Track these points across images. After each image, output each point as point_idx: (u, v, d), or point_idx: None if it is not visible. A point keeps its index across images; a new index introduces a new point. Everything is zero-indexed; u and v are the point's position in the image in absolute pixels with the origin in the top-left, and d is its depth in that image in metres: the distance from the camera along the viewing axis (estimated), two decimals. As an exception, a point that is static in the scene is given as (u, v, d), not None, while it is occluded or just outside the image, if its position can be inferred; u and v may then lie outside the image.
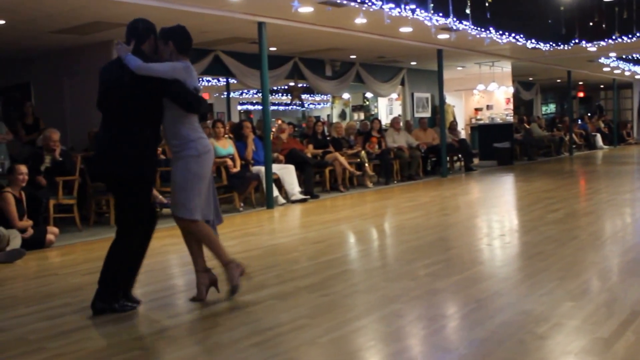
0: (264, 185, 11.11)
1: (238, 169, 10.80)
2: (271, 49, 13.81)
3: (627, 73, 25.04)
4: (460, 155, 18.15)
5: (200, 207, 5.23)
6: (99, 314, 5.01)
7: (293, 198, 11.63)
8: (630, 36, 15.19)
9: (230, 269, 5.31)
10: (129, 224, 5.12)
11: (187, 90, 5.01)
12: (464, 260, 6.74)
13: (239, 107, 25.32)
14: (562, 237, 7.64)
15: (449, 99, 21.85)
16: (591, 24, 15.27)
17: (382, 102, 23.86)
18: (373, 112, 24.75)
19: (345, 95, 24.68)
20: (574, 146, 24.02)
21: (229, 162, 10.72)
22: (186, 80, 5.02)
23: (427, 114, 20.26)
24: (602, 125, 28.08)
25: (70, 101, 12.74)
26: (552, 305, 4.85)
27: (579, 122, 26.93)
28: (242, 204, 10.88)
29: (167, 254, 7.76)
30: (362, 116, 24.72)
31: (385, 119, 21.67)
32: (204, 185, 5.21)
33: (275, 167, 11.53)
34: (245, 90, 22.62)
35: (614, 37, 15.26)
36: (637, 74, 25.58)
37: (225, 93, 18.97)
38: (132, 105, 4.94)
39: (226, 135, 11.75)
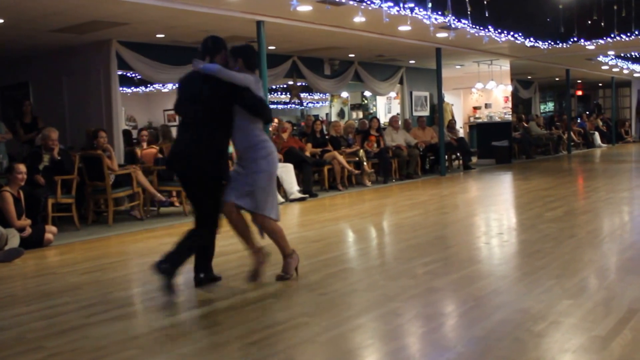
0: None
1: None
2: (270, 47, 13.80)
3: (625, 71, 25.04)
4: (458, 154, 18.15)
5: (276, 205, 5.86)
6: (160, 273, 5.38)
7: (292, 197, 11.64)
8: (628, 34, 15.21)
9: (289, 260, 5.98)
10: (207, 216, 5.64)
11: (257, 98, 5.62)
12: (462, 259, 6.74)
13: (237, 106, 25.29)
14: (560, 235, 7.65)
15: (448, 98, 21.87)
16: (590, 22, 15.29)
17: (381, 101, 23.86)
18: (372, 111, 24.72)
19: (344, 94, 24.66)
20: (572, 144, 24.04)
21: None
22: (255, 91, 5.60)
23: (426, 112, 20.26)
24: (600, 123, 28.09)
25: (68, 100, 12.74)
26: (550, 303, 4.86)
27: (578, 120, 26.94)
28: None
29: (166, 253, 7.75)
30: (360, 115, 24.69)
31: (383, 118, 21.67)
32: (273, 182, 5.83)
33: (274, 166, 11.53)
34: (244, 89, 22.58)
35: (612, 35, 15.28)
36: (636, 72, 25.58)
37: (224, 92, 18.94)
38: (211, 113, 5.57)
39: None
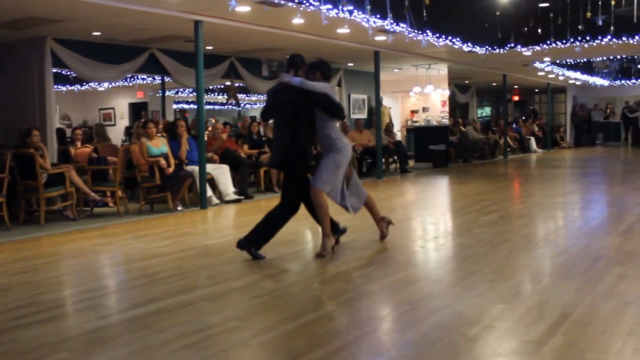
0: (198, 185, 10.99)
1: (172, 168, 10.65)
2: (207, 47, 13.70)
3: (560, 78, 25.59)
4: (395, 157, 18.26)
5: (330, 185, 6.98)
6: (242, 249, 6.80)
7: (227, 198, 11.53)
8: (564, 41, 15.53)
9: (327, 240, 6.95)
10: (294, 197, 7.02)
11: (333, 101, 6.98)
12: (397, 262, 6.76)
13: (175, 106, 25.03)
14: (495, 239, 7.74)
15: (386, 101, 21.99)
16: (526, 28, 15.58)
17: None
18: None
19: (283, 96, 24.58)
20: (508, 149, 24.43)
21: (162, 161, 10.57)
22: (331, 96, 6.96)
23: (364, 115, 20.35)
24: (536, 128, 28.61)
25: (1, 98, 12.38)
26: (484, 308, 4.90)
27: (514, 125, 27.39)
28: (179, 205, 10.72)
29: (98, 254, 7.62)
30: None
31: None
32: (340, 172, 7.04)
33: (210, 167, 11.41)
34: (181, 89, 22.39)
35: (548, 42, 15.59)
36: (571, 78, 26.16)
37: (160, 91, 18.72)
38: (300, 115, 6.86)
39: (160, 135, 11.59)
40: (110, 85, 20.01)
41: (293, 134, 6.88)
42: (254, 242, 6.86)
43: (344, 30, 12.48)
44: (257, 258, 6.80)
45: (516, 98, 34.14)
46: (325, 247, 6.92)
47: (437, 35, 14.15)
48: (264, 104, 7.42)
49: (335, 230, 7.30)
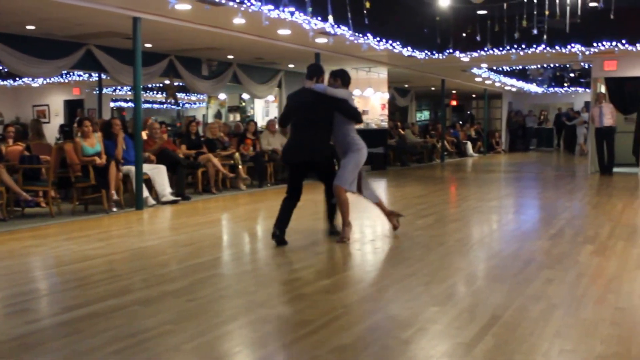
0: (134, 186, 10.83)
1: (104, 162, 10.43)
2: (146, 45, 13.54)
3: (497, 84, 26.00)
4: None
5: (351, 183, 7.83)
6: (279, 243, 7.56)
7: (164, 199, 11.39)
8: (501, 49, 15.79)
9: (347, 228, 7.84)
10: (329, 183, 7.92)
11: (352, 106, 7.91)
12: (333, 265, 6.79)
13: (112, 104, 24.66)
14: (430, 242, 7.83)
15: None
16: (465, 35, 15.79)
17: (259, 104, 23.82)
18: (249, 114, 24.66)
19: (222, 96, 24.49)
20: (445, 153, 24.70)
21: (98, 160, 10.39)
22: (350, 102, 7.87)
23: (304, 117, 20.33)
24: (473, 133, 29.03)
25: None
26: (418, 310, 4.96)
27: (451, 130, 27.73)
28: (114, 206, 10.52)
29: (29, 256, 7.44)
30: (238, 117, 24.59)
31: (261, 121, 21.64)
32: (358, 169, 7.95)
33: (146, 167, 11.26)
34: (119, 87, 22.07)
35: (485, 49, 15.81)
36: (507, 85, 26.60)
37: (97, 89, 18.41)
38: (322, 117, 7.74)
39: (95, 133, 11.38)
40: (44, 81, 19.56)
41: (315, 133, 7.74)
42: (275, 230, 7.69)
43: (285, 32, 12.47)
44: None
45: (454, 103, 34.55)
46: (345, 233, 7.80)
47: (378, 38, 14.24)
48: (285, 109, 8.22)
49: (333, 230, 8.21)
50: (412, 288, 5.67)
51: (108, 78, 15.76)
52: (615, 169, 17.56)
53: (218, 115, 25.20)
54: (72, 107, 20.73)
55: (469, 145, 27.50)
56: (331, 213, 8.26)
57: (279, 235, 7.62)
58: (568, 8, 12.39)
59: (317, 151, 7.81)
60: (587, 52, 16.12)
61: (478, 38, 14.89)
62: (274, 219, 7.61)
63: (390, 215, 8.44)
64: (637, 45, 15.19)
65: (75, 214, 10.26)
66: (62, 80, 18.90)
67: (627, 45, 15.29)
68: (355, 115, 7.92)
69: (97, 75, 17.28)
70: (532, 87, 28.60)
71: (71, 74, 18.23)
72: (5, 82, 19.49)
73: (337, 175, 7.83)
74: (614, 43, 15.32)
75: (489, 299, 5.31)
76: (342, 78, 8.03)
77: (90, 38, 13.03)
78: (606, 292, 5.53)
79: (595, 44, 15.52)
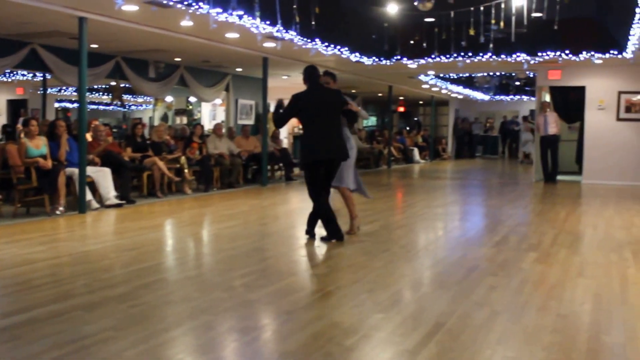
0: (77, 188, 10.65)
1: (49, 166, 10.25)
2: (92, 46, 13.35)
3: (444, 91, 26.27)
4: (281, 165, 18.26)
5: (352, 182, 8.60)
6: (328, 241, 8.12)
7: (108, 203, 11.22)
8: (448, 56, 15.97)
9: (354, 221, 8.70)
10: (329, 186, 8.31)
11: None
12: (278, 271, 6.77)
13: (57, 105, 24.21)
14: (375, 249, 7.85)
15: (273, 108, 22.06)
16: (412, 42, 15.92)
17: (206, 107, 23.66)
18: (196, 117, 24.47)
19: (169, 99, 24.25)
20: (392, 159, 24.85)
21: (42, 161, 10.19)
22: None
23: (251, 121, 20.31)
24: (420, 140, 29.25)
25: None
26: (362, 317, 4.96)
27: (398, 136, 27.91)
28: (57, 209, 10.32)
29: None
30: (185, 120, 24.37)
31: (208, 125, 21.50)
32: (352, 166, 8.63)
33: (90, 170, 11.08)
34: (64, 87, 21.69)
35: (432, 56, 15.98)
36: (453, 92, 26.90)
37: (42, 89, 18.07)
38: (339, 116, 8.21)
39: (42, 136, 11.17)
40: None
41: (339, 133, 8.15)
42: (331, 232, 8.17)
43: (233, 35, 12.42)
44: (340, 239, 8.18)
45: (401, 109, 34.79)
46: (354, 226, 8.65)
47: (326, 44, 14.27)
48: (290, 110, 8.30)
49: (312, 233, 8.43)
50: (357, 295, 5.69)
51: (53, 78, 15.48)
52: (559, 177, 17.91)
53: (164, 118, 24.92)
54: (16, 107, 20.28)
55: (416, 151, 27.72)
56: (315, 217, 8.39)
57: (340, 232, 8.21)
58: (513, 18, 12.58)
59: (344, 150, 8.15)
60: (532, 61, 16.46)
61: (425, 45, 15.03)
62: (219, 224, 7.49)
63: (355, 219, 8.74)
64: (580, 55, 15.53)
65: (17, 216, 10.05)
66: (5, 79, 18.51)
67: (570, 55, 15.63)
68: (354, 117, 8.57)
69: (41, 75, 16.97)
70: (479, 95, 29.00)
71: (15, 73, 17.86)
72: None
73: (340, 177, 8.42)
74: (557, 53, 15.66)
75: (433, 306, 5.34)
76: (334, 79, 8.58)
77: (35, 37, 12.80)
78: (548, 299, 5.62)
79: (540, 54, 15.85)
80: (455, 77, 22.94)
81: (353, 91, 27.27)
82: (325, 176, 8.16)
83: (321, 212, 8.16)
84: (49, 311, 5.06)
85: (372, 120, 37.66)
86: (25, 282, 5.89)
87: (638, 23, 11.02)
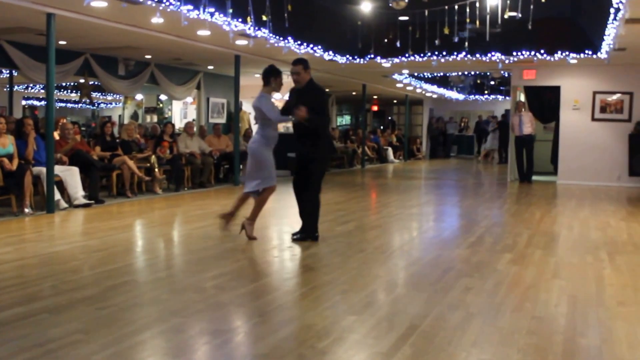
0: (45, 188, 10.46)
1: (14, 168, 10.06)
2: (61, 42, 13.14)
3: (418, 90, 26.27)
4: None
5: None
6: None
7: (76, 202, 11.04)
8: (422, 55, 15.95)
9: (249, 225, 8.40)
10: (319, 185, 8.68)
11: None
12: (251, 272, 6.69)
13: (24, 102, 23.90)
14: (349, 250, 7.79)
15: (245, 106, 21.86)
16: (386, 40, 15.89)
17: (177, 106, 23.48)
18: (167, 115, 24.28)
19: (139, 96, 24.04)
20: (366, 159, 24.81)
21: (6, 161, 9.99)
22: None
23: (223, 120, 20.16)
24: (394, 139, 29.25)
25: None
26: (335, 319, 4.90)
27: (372, 135, 27.87)
28: (30, 207, 10.12)
29: None
30: (155, 119, 24.18)
31: (179, 123, 21.33)
32: None
33: (58, 169, 10.89)
34: (32, 85, 21.41)
35: (407, 55, 15.95)
36: (428, 91, 26.93)
37: (8, 86, 17.80)
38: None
39: (7, 133, 10.96)
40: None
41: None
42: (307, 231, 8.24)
43: (204, 32, 12.28)
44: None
45: (375, 108, 34.81)
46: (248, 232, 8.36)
47: (299, 42, 14.19)
48: (288, 102, 8.83)
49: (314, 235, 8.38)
50: (330, 296, 5.62)
51: (20, 75, 15.22)
52: (534, 177, 17.97)
53: (134, 116, 24.70)
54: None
55: (390, 151, 27.71)
56: (314, 217, 8.47)
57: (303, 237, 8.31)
58: (488, 17, 12.59)
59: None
60: (506, 61, 16.47)
61: (399, 44, 15.00)
62: (190, 224, 7.38)
63: (231, 215, 8.49)
64: (555, 55, 15.58)
65: (-18, 216, 9.86)
66: (-30, 76, 18.22)
67: (545, 55, 15.67)
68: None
69: (8, 72, 16.69)
70: (453, 94, 29.06)
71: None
72: None
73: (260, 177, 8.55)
74: (532, 52, 15.69)
75: (407, 307, 5.28)
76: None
77: (1, 33, 12.57)
78: (523, 300, 5.58)
79: (514, 53, 15.87)
80: (430, 76, 22.96)
81: (327, 90, 27.19)
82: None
83: (315, 206, 8.42)
84: (14, 314, 4.94)
85: (345, 119, 37.68)
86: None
87: (612, 23, 11.05)
